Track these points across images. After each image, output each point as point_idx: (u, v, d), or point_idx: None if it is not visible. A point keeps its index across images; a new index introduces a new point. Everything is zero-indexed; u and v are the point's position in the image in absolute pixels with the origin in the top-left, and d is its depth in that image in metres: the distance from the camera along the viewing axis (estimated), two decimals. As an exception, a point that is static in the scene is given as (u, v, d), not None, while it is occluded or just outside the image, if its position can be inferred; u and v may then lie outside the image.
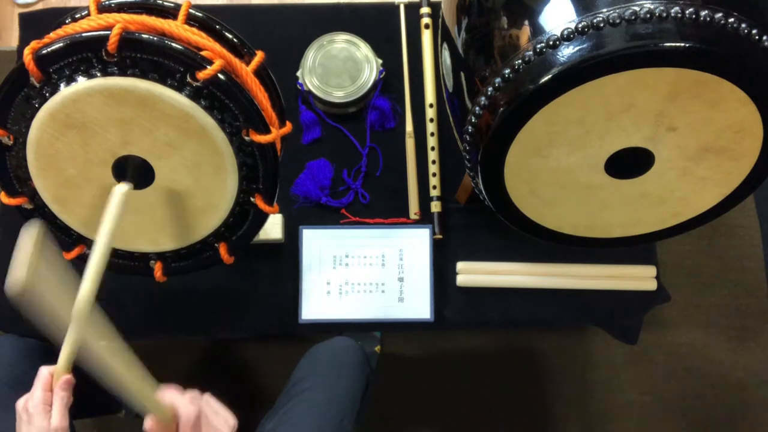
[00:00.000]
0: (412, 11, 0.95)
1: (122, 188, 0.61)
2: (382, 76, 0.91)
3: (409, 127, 0.91)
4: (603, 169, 0.62)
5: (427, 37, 0.93)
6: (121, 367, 0.55)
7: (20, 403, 0.59)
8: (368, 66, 0.89)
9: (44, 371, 0.59)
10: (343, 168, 0.92)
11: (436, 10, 0.94)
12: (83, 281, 0.55)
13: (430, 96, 0.92)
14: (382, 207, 0.91)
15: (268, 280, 0.89)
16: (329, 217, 0.91)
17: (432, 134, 0.91)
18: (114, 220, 0.59)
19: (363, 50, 0.90)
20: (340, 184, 0.92)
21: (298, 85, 0.90)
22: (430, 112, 0.91)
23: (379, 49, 0.91)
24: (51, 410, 0.58)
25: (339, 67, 0.89)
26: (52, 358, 0.86)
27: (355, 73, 0.89)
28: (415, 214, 0.90)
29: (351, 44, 0.90)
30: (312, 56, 0.89)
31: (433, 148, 0.91)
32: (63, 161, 0.62)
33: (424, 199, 0.91)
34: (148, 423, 0.55)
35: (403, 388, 1.31)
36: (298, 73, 0.89)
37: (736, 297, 1.36)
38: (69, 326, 0.56)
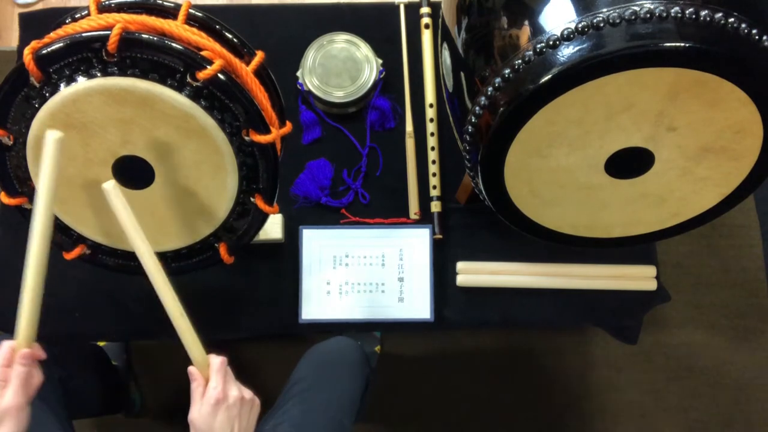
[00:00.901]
0: (412, 11, 0.95)
1: (54, 135, 0.58)
2: (382, 76, 0.91)
3: (409, 127, 0.91)
4: (603, 169, 0.62)
5: (427, 37, 0.93)
6: (183, 322, 0.62)
7: None
8: (368, 66, 0.89)
9: (5, 345, 0.57)
10: (343, 168, 0.92)
11: (436, 10, 0.94)
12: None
13: (430, 96, 0.92)
14: (382, 207, 0.91)
15: (268, 280, 0.89)
16: (329, 217, 0.91)
17: (432, 134, 0.91)
18: (49, 173, 0.58)
19: (363, 50, 0.90)
20: (340, 184, 0.92)
21: (298, 85, 0.90)
22: (430, 112, 0.91)
23: (379, 49, 0.91)
24: (5, 387, 0.55)
25: (339, 67, 0.89)
26: (51, 357, 0.86)
27: (355, 73, 0.89)
28: (415, 214, 0.90)
29: (351, 44, 0.90)
30: (312, 56, 0.89)
31: (433, 148, 0.91)
32: (63, 161, 0.62)
33: (424, 199, 0.91)
34: (191, 368, 0.62)
35: (403, 388, 1.31)
36: (298, 73, 0.89)
37: (736, 297, 1.36)
38: (24, 296, 0.57)
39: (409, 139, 0.91)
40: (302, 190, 0.90)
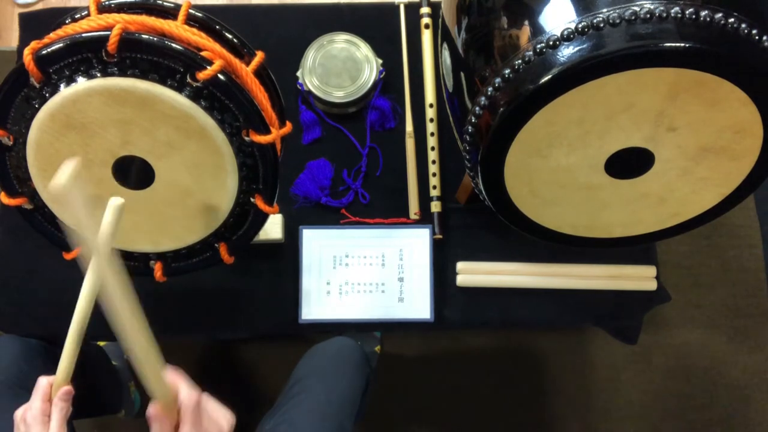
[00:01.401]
0: (412, 11, 0.95)
1: (116, 201, 0.57)
2: (382, 76, 0.91)
3: (409, 127, 0.91)
4: (603, 169, 0.62)
5: (427, 37, 0.93)
6: (134, 331, 0.49)
7: (18, 414, 0.58)
8: (368, 66, 0.89)
9: (43, 381, 0.59)
10: (343, 168, 0.92)
11: (436, 10, 0.94)
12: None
13: (430, 96, 0.92)
14: (382, 207, 0.91)
15: (268, 280, 0.89)
16: (329, 217, 0.91)
17: (432, 134, 0.91)
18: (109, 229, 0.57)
19: (363, 50, 0.90)
20: (340, 184, 0.92)
21: (298, 85, 0.90)
22: (430, 112, 0.91)
23: (379, 49, 0.91)
24: (49, 422, 0.57)
25: (339, 67, 0.89)
26: (51, 358, 0.87)
27: (355, 73, 0.89)
28: (415, 214, 0.90)
29: (351, 44, 0.90)
30: (312, 56, 0.89)
31: (433, 148, 0.91)
32: (63, 161, 0.62)
33: (424, 199, 0.91)
34: (151, 408, 0.52)
35: (403, 388, 1.31)
36: (298, 73, 0.89)
37: (736, 297, 1.36)
38: (68, 336, 0.57)
39: (409, 139, 0.91)
40: (302, 190, 0.90)
